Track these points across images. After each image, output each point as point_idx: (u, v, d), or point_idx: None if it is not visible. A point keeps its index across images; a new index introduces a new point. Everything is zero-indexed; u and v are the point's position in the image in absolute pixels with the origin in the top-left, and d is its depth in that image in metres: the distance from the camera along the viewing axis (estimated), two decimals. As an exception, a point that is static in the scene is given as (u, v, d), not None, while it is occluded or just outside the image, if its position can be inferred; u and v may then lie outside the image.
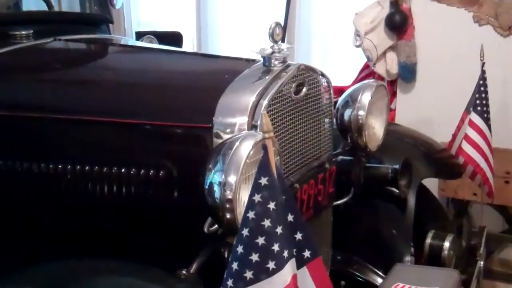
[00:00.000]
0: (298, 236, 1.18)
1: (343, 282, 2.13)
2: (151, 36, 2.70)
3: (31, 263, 1.50)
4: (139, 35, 2.86)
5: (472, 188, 3.00)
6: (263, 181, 1.03)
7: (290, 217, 1.13)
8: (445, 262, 2.12)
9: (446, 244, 2.13)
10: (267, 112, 1.61)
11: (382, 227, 2.28)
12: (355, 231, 2.28)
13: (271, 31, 1.68)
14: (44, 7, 2.76)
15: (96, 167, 1.76)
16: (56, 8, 2.83)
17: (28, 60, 2.16)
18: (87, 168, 1.77)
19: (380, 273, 2.17)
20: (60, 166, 1.79)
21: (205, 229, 1.50)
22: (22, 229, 1.87)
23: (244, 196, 1.44)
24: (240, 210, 1.42)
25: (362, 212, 2.27)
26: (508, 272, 3.18)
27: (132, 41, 2.90)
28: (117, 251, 1.60)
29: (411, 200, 2.24)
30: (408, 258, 2.16)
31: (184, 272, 1.48)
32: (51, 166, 1.80)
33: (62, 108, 1.84)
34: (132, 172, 1.72)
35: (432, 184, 2.85)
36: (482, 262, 2.32)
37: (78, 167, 1.77)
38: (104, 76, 2.05)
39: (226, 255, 1.58)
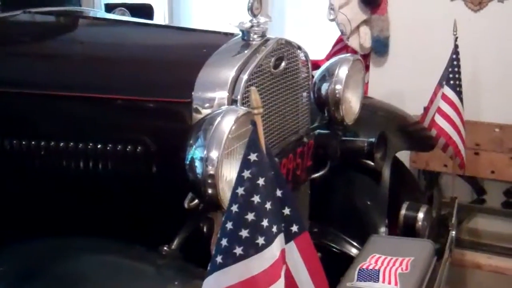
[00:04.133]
0: (286, 211, 1.19)
1: (319, 254, 2.16)
2: (123, 8, 2.64)
3: (8, 243, 1.48)
4: (109, 7, 2.80)
5: (442, 159, 3.06)
6: (253, 157, 1.03)
7: (278, 193, 1.14)
8: (419, 233, 2.16)
9: (420, 215, 2.17)
10: (247, 87, 1.60)
11: (358, 199, 2.32)
12: (331, 203, 2.30)
13: (250, 4, 1.66)
14: (12, -22, 2.67)
15: (72, 143, 1.72)
16: (23, -21, 2.74)
17: (-4, 33, 2.10)
18: (62, 144, 1.74)
19: (355, 244, 2.20)
20: (33, 143, 1.76)
21: (186, 205, 1.50)
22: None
23: (225, 171, 1.44)
24: (222, 185, 1.42)
25: (338, 185, 2.30)
26: (476, 241, 3.26)
27: (102, 13, 2.83)
28: (97, 229, 1.58)
29: (386, 173, 2.27)
30: (383, 229, 2.19)
31: (165, 248, 1.48)
32: (23, 142, 1.77)
33: (34, 83, 1.80)
34: (109, 148, 1.70)
35: (404, 156, 2.90)
36: (454, 232, 2.38)
37: (53, 143, 1.74)
38: (78, 50, 2.00)
39: (206, 230, 1.58)
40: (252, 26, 1.69)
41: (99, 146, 1.70)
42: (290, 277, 1.26)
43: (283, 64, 1.79)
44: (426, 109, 2.74)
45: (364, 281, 1.65)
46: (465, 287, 3.11)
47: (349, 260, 1.83)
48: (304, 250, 1.24)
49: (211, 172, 1.40)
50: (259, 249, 1.05)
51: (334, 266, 1.67)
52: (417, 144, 2.72)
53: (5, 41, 2.06)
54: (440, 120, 2.59)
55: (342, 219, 2.27)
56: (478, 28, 3.07)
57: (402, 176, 2.51)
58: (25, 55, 1.99)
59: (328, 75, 2.05)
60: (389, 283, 1.63)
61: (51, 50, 2.05)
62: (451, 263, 2.28)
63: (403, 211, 2.20)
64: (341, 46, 3.40)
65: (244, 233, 1.03)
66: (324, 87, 2.04)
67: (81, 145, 1.72)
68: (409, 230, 2.17)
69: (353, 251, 2.17)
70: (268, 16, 1.75)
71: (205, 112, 1.57)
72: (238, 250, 1.03)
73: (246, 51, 1.67)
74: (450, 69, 2.61)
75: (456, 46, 2.63)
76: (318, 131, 2.11)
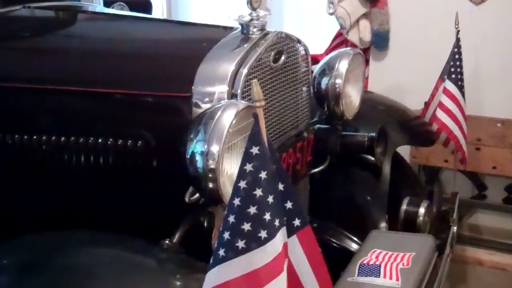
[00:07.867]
0: (288, 205, 1.18)
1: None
2: (122, 3, 2.64)
3: (10, 235, 1.47)
4: (108, 2, 2.79)
5: (443, 155, 3.05)
6: (255, 150, 1.02)
7: (280, 186, 1.13)
8: (420, 228, 2.16)
9: (421, 210, 2.17)
10: (247, 81, 1.59)
11: (358, 195, 2.31)
12: (331, 198, 2.29)
13: (249, -2, 1.65)
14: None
15: (72, 138, 1.72)
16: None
17: (-4, 28, 2.09)
18: (63, 139, 1.73)
19: (356, 240, 2.19)
20: (34, 137, 1.76)
21: (186, 199, 1.50)
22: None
23: (226, 166, 1.44)
24: (223, 179, 1.42)
25: (338, 180, 2.29)
26: (477, 236, 3.26)
27: (101, 8, 2.82)
28: (99, 223, 1.58)
29: (386, 168, 2.27)
30: (383, 224, 2.19)
31: (166, 242, 1.47)
32: (25, 137, 1.77)
33: (35, 78, 1.80)
34: (109, 142, 1.69)
35: (404, 151, 2.89)
36: (455, 228, 2.37)
37: (54, 138, 1.74)
38: (77, 45, 1.99)
39: (206, 224, 1.58)
40: (251, 20, 1.68)
41: (99, 140, 1.70)
42: (292, 271, 1.26)
43: (282, 58, 1.78)
44: (427, 104, 2.73)
45: (365, 276, 1.64)
46: (465, 283, 3.11)
47: (349, 255, 1.82)
48: (306, 244, 1.24)
49: (212, 166, 1.39)
50: (261, 242, 1.04)
51: (334, 261, 1.66)
52: (417, 139, 2.71)
53: (5, 36, 2.05)
54: (441, 115, 2.57)
55: (342, 214, 2.27)
56: (480, 21, 3.05)
57: (402, 171, 2.51)
58: (25, 50, 1.99)
59: (328, 69, 2.04)
60: (390, 278, 1.62)
61: (51, 44, 2.04)
62: (452, 259, 2.28)
63: (403, 207, 2.20)
64: (340, 40, 3.39)
65: (246, 226, 1.03)
66: (324, 81, 2.03)
67: (81, 139, 1.72)
68: (409, 225, 2.17)
69: (354, 246, 2.17)
70: (268, 9, 1.74)
71: (205, 106, 1.56)
72: (241, 244, 1.03)
73: (245, 45, 1.66)
74: (451, 63, 2.59)
75: (458, 40, 2.61)
76: (318, 125, 2.10)
